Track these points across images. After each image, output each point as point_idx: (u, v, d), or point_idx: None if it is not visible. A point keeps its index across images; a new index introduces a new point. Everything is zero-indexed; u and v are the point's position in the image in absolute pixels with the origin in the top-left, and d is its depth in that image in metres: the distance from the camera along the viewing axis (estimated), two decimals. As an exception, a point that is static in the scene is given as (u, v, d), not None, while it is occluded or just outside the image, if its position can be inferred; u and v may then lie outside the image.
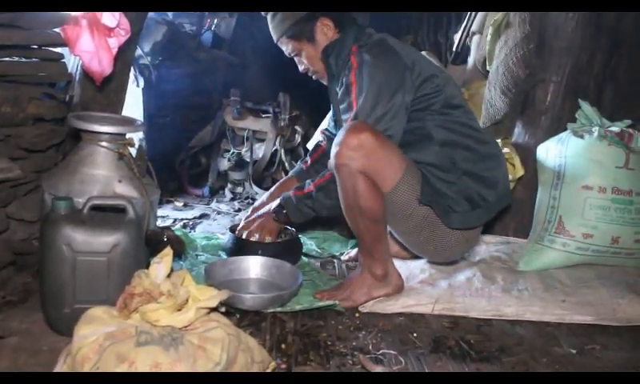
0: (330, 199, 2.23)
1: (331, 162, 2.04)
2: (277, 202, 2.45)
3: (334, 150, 2.02)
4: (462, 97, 2.34)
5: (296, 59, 2.43)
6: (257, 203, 2.70)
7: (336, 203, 2.16)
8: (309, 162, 2.74)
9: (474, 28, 3.43)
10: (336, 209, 2.19)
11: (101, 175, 2.02)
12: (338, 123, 2.52)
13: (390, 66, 2.15)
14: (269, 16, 2.37)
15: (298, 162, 2.83)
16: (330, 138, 2.67)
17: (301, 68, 2.45)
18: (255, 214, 2.57)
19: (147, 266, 1.58)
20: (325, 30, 2.31)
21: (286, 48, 2.39)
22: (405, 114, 2.15)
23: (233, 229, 2.59)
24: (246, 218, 2.60)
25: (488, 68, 3.03)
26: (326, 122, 2.81)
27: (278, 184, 2.77)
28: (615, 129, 2.56)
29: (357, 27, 2.33)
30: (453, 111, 2.22)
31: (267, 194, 2.72)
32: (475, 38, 3.44)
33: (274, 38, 2.39)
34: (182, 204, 3.61)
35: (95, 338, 1.37)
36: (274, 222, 2.47)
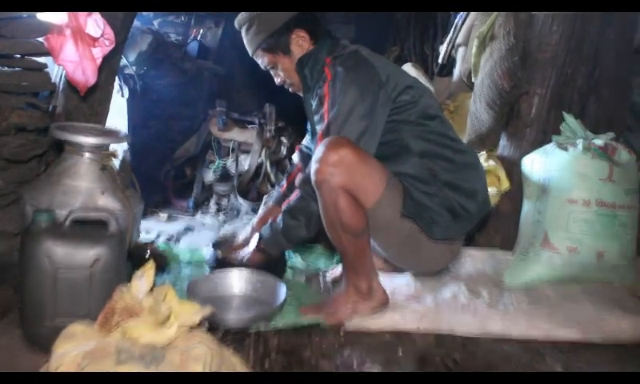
0: (294, 219, 2.17)
1: (311, 178, 2.02)
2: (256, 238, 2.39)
3: (313, 166, 2.00)
4: (438, 106, 2.33)
5: (272, 72, 2.42)
6: (239, 240, 2.61)
7: (302, 224, 2.15)
8: (284, 186, 2.69)
9: (459, 40, 3.45)
10: (302, 231, 2.17)
11: (83, 187, 2.00)
12: (313, 136, 2.51)
13: (364, 78, 2.14)
14: (243, 30, 2.35)
15: (275, 187, 2.80)
16: (305, 155, 2.65)
17: (277, 80, 2.44)
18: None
19: (129, 281, 1.56)
20: (300, 42, 2.30)
21: (262, 61, 2.37)
22: (379, 127, 2.14)
23: (217, 243, 2.56)
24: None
25: (473, 80, 3.03)
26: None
27: (257, 218, 2.68)
28: (599, 141, 2.56)
29: (331, 39, 2.33)
30: (429, 122, 2.21)
31: (249, 227, 2.65)
32: (461, 50, 3.45)
33: (250, 51, 2.37)
34: (166, 216, 3.58)
35: (74, 356, 1.34)
36: (257, 254, 2.39)
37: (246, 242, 2.50)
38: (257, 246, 2.36)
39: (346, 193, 1.98)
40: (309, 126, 2.60)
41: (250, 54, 2.39)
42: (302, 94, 2.43)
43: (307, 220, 2.16)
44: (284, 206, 2.23)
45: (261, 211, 2.71)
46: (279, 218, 2.23)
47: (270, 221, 2.30)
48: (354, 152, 1.98)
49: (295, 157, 2.73)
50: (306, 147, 2.69)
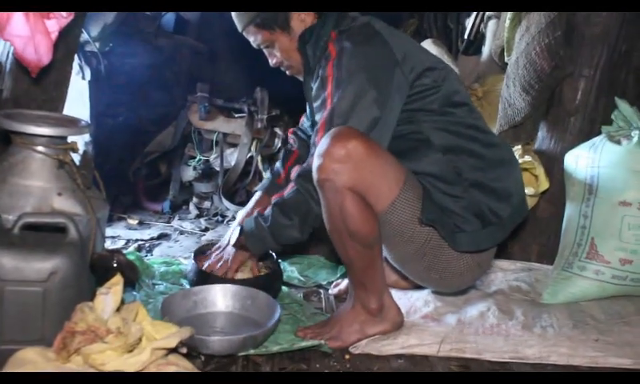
0: (286, 217, 2.16)
1: (313, 175, 2.02)
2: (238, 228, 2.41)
3: (316, 162, 1.99)
4: (465, 92, 2.33)
5: (266, 52, 2.40)
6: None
7: (294, 224, 2.15)
8: (282, 174, 2.68)
9: (489, 12, 3.45)
10: (293, 233, 2.17)
11: (36, 187, 2.01)
12: (313, 124, 2.52)
13: (376, 56, 2.13)
14: None
15: (268, 174, 2.78)
16: (301, 139, 2.66)
17: (272, 62, 2.42)
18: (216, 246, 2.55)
19: (92, 298, 1.57)
20: (302, 16, 2.28)
21: (255, 39, 2.35)
22: (394, 115, 2.13)
23: (198, 253, 2.57)
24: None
25: (506, 60, 3.04)
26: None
27: (244, 211, 2.68)
28: (659, 133, 2.58)
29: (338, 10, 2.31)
30: (455, 110, 2.21)
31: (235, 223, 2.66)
32: (491, 24, 3.46)
33: (239, 26, 2.35)
34: (136, 222, 3.60)
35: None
36: (239, 252, 2.42)
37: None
38: (236, 242, 2.37)
39: (355, 194, 1.98)
40: (308, 111, 2.60)
41: (240, 30, 2.37)
42: (301, 78, 2.43)
43: (302, 221, 2.16)
44: (275, 199, 2.22)
45: (250, 204, 2.68)
46: (268, 210, 2.22)
47: (255, 212, 2.30)
48: (365, 145, 1.97)
49: (291, 140, 2.73)
50: (301, 131, 2.68)
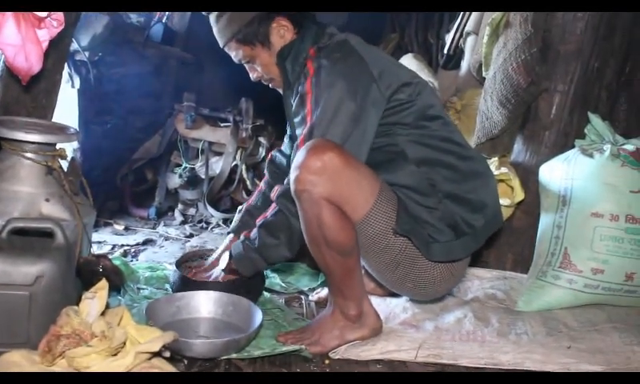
0: (273, 238, 2.17)
1: (291, 187, 2.01)
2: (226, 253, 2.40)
3: (292, 173, 1.99)
4: (441, 106, 2.33)
5: (247, 66, 2.39)
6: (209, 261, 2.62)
7: (281, 242, 2.15)
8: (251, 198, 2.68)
9: (468, 27, 3.47)
10: (282, 251, 2.18)
11: (24, 192, 2.00)
12: (291, 137, 2.52)
13: (353, 71, 2.13)
14: (212, 17, 2.30)
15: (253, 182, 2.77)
16: (276, 167, 2.66)
17: (253, 76, 2.41)
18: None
19: (78, 302, 1.56)
20: (281, 32, 2.27)
21: (236, 54, 2.33)
22: (371, 129, 2.13)
23: (180, 262, 2.56)
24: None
25: (484, 74, 3.06)
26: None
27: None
28: (630, 147, 2.59)
29: (317, 27, 2.30)
30: (429, 123, 2.21)
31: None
32: (470, 40, 3.48)
33: (221, 42, 2.33)
34: (122, 227, 3.59)
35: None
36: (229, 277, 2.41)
37: (216, 263, 2.51)
38: (226, 266, 2.37)
39: (331, 205, 1.98)
40: (289, 129, 2.59)
41: (222, 46, 2.35)
42: (282, 91, 2.42)
43: (288, 238, 2.16)
44: (260, 221, 2.23)
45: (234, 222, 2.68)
46: (254, 232, 2.23)
47: (242, 236, 2.30)
48: (341, 157, 1.97)
49: (266, 167, 2.73)
50: (281, 155, 2.68)
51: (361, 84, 2.11)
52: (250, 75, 2.41)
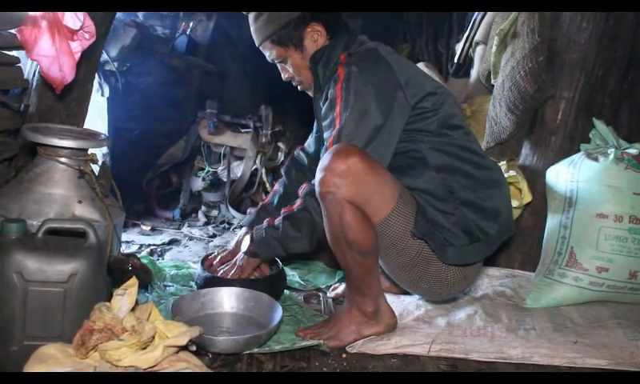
0: (296, 230, 2.20)
1: (315, 188, 2.02)
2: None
3: (318, 175, 2.00)
4: (462, 116, 2.34)
5: (279, 66, 2.42)
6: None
7: (303, 236, 2.18)
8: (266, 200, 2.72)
9: (477, 37, 3.46)
10: (303, 244, 2.21)
11: (58, 195, 2.01)
12: (319, 138, 2.53)
13: (381, 79, 2.14)
14: (251, 16, 2.34)
15: (273, 185, 2.78)
16: (296, 163, 2.68)
17: (284, 76, 2.44)
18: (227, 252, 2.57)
19: (109, 299, 1.57)
20: (315, 37, 2.30)
21: (270, 53, 2.36)
22: (395, 136, 2.15)
23: (205, 260, 2.57)
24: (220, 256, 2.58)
25: (493, 82, 3.05)
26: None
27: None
28: (633, 151, 2.58)
29: (348, 34, 2.32)
30: (451, 132, 2.22)
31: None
32: (479, 49, 3.47)
33: (257, 41, 2.37)
34: (149, 228, 3.60)
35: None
36: (251, 259, 2.44)
37: (238, 248, 2.53)
38: (247, 249, 2.39)
39: (354, 207, 1.98)
40: (316, 126, 2.60)
41: (257, 45, 2.38)
42: (311, 94, 2.44)
43: (310, 233, 2.19)
44: (285, 212, 2.24)
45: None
46: (277, 221, 2.25)
47: (265, 222, 2.32)
48: (364, 162, 1.98)
49: (284, 166, 2.75)
50: (303, 153, 2.69)
51: (388, 91, 2.13)
52: (282, 75, 2.45)
